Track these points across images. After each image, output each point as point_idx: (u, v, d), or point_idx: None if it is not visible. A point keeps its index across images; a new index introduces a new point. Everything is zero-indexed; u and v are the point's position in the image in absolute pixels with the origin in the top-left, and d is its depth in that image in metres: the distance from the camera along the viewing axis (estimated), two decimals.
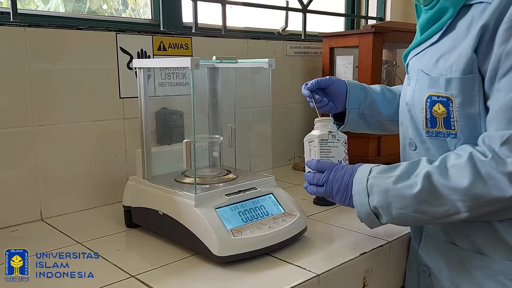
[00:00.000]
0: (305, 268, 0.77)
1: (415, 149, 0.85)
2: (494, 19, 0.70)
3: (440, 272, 0.84)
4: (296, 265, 0.79)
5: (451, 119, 0.76)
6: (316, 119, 0.92)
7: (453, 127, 0.77)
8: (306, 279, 0.74)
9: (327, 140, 0.89)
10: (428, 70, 0.79)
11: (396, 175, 0.76)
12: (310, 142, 0.90)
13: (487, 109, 0.73)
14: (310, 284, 0.74)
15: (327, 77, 1.01)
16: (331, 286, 0.78)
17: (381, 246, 0.87)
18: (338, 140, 0.89)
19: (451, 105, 0.76)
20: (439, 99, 0.77)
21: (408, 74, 0.89)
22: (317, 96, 0.98)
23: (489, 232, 0.77)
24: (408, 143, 0.88)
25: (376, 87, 1.07)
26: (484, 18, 0.71)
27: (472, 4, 0.76)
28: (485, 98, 0.73)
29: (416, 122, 0.83)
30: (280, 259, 0.81)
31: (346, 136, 0.91)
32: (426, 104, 0.79)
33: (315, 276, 0.75)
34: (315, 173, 0.86)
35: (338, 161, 0.88)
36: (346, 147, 0.90)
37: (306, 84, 1.00)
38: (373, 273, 0.86)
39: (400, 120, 0.92)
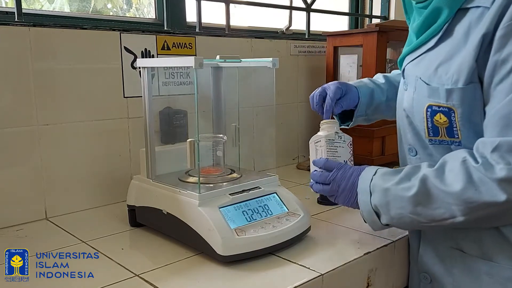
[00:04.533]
0: (309, 268, 0.77)
1: (416, 155, 0.85)
2: (493, 26, 0.68)
3: (442, 279, 0.83)
4: (300, 265, 0.79)
5: (454, 128, 0.75)
6: (322, 121, 0.93)
7: (456, 136, 0.75)
8: (310, 279, 0.74)
9: (334, 140, 0.89)
10: (427, 79, 0.77)
11: (399, 177, 0.77)
12: (316, 142, 0.91)
13: None
14: (314, 284, 0.74)
15: (340, 88, 0.96)
16: (335, 286, 0.77)
17: (385, 245, 0.87)
18: (344, 141, 0.90)
19: (453, 115, 0.74)
20: (440, 109, 0.75)
21: (404, 79, 0.86)
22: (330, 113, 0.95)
23: (499, 238, 0.75)
24: (407, 148, 0.87)
25: (380, 85, 1.05)
26: (484, 26, 0.69)
27: (469, 8, 0.73)
28: (485, 104, 0.72)
29: (417, 129, 0.82)
30: (284, 259, 0.81)
31: (352, 138, 0.92)
32: (426, 114, 0.77)
33: (319, 276, 0.75)
34: (322, 171, 0.87)
35: (344, 161, 0.89)
36: (351, 148, 0.91)
37: (320, 97, 0.96)
38: (377, 273, 0.86)
39: (397, 124, 0.91)
